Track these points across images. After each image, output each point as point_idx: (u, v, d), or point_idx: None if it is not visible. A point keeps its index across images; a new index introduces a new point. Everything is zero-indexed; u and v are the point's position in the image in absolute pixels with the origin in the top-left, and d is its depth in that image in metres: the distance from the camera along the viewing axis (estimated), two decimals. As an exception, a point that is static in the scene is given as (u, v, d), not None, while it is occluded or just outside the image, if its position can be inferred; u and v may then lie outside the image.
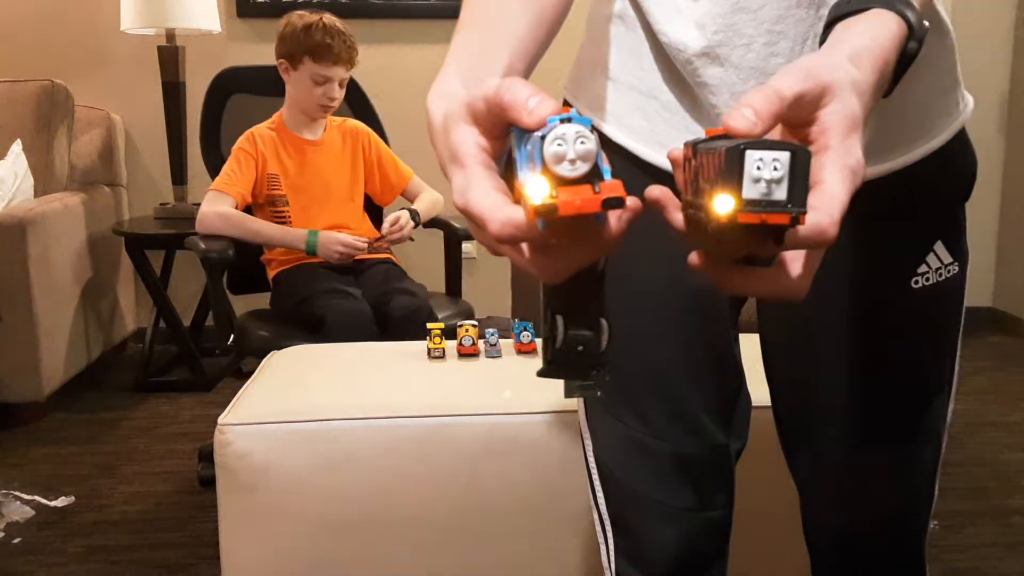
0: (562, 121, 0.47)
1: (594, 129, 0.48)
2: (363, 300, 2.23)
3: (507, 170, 0.54)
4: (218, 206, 2.27)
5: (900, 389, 0.86)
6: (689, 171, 0.56)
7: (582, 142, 0.47)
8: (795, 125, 0.55)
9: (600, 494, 0.94)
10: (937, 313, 0.85)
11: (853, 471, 0.88)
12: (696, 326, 0.87)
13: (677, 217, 0.57)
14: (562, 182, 0.47)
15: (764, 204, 0.48)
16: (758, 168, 0.48)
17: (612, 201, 0.47)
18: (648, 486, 0.89)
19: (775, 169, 0.48)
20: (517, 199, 0.50)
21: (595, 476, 0.93)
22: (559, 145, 0.47)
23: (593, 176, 0.47)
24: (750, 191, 0.48)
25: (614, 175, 0.49)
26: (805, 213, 0.49)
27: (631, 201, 0.49)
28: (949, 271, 0.83)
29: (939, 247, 0.83)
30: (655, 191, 0.57)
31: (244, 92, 2.57)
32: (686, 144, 0.57)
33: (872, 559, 0.92)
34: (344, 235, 2.28)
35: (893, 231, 0.82)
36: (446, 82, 0.62)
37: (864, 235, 0.81)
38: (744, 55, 0.75)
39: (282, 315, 2.28)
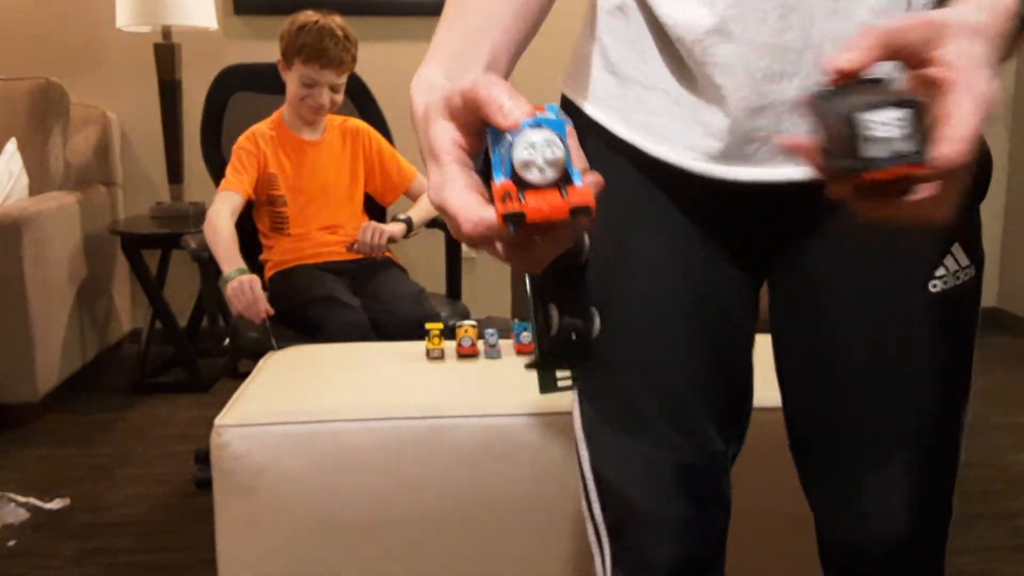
0: (534, 126, 0.48)
1: (571, 133, 0.49)
2: (361, 311, 2.18)
3: (485, 168, 0.54)
4: (226, 205, 2.24)
5: (915, 396, 0.84)
6: (820, 127, 0.57)
7: (552, 150, 0.48)
8: (915, 65, 0.55)
9: (596, 503, 0.92)
10: (954, 318, 0.83)
11: (868, 481, 0.86)
12: (703, 334, 0.85)
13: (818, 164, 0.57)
14: (530, 187, 0.48)
15: (890, 159, 0.50)
16: (877, 126, 0.50)
17: (580, 210, 0.48)
18: (647, 494, 0.87)
19: (895, 123, 0.50)
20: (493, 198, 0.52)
21: (591, 485, 0.92)
22: (528, 152, 0.48)
23: (562, 182, 0.48)
24: (874, 149, 0.50)
25: (606, 169, 0.49)
26: (930, 160, 0.51)
27: (595, 180, 0.50)
28: (966, 274, 0.81)
29: (956, 249, 0.81)
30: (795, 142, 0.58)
31: (246, 90, 2.55)
32: (809, 96, 0.58)
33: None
34: (257, 291, 2.07)
35: (910, 232, 0.79)
36: (427, 72, 0.62)
37: (880, 237, 0.79)
38: (758, 30, 0.73)
39: (278, 317, 2.25)
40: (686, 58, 0.77)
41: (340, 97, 2.34)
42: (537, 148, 0.47)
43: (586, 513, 0.93)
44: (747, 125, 0.76)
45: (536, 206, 0.48)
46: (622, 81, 0.83)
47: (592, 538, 0.94)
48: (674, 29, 0.77)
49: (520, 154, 0.47)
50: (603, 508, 0.91)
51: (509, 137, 0.48)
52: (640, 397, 0.86)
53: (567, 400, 1.53)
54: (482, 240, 0.51)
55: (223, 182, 2.30)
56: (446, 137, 0.53)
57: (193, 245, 2.25)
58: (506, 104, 0.50)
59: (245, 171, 2.29)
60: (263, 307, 2.05)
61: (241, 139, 2.33)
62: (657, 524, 0.87)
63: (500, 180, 0.48)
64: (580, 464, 0.93)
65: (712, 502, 0.89)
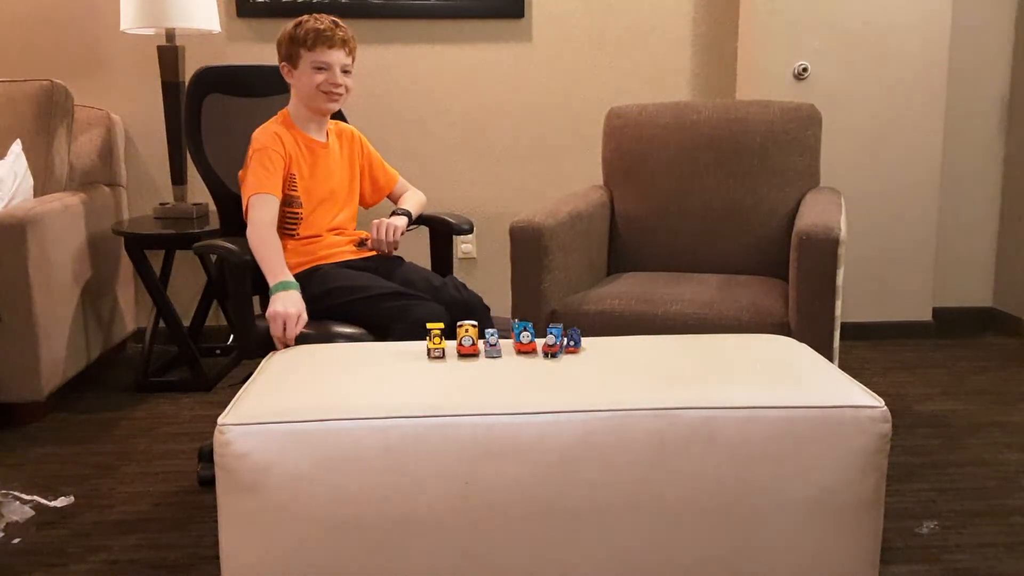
0: None
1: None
2: (435, 301, 2.22)
3: None
4: (268, 210, 2.22)
5: None
6: None
7: None
8: None
9: None
10: None
11: None
12: None
13: None
14: None
15: None
16: None
17: None
18: None
19: None
20: None
21: None
22: None
23: None
24: None
25: None
26: None
27: None
28: None
29: None
30: None
31: (218, 92, 2.53)
32: None
33: None
34: (301, 317, 2.08)
35: None
36: None
37: None
38: None
39: (324, 314, 2.20)
40: None
41: (351, 82, 2.37)
42: None
43: None
44: None
45: None
46: None
47: None
48: None
49: None
50: None
51: None
52: None
53: (567, 400, 1.55)
54: None
55: (255, 184, 2.23)
56: None
57: (236, 249, 2.18)
58: None
59: (276, 172, 2.26)
60: (282, 334, 2.05)
61: (264, 139, 2.29)
62: None
63: None
64: None
65: None
